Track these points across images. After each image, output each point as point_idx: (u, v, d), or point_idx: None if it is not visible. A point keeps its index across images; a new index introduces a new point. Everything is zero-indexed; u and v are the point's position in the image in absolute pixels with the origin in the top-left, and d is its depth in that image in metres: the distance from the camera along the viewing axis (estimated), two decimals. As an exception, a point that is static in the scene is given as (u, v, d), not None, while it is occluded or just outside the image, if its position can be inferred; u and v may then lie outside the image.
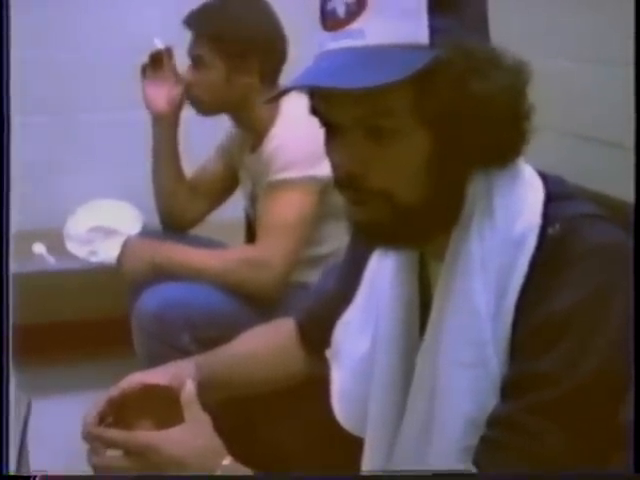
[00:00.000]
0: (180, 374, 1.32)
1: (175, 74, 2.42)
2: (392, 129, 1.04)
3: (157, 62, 2.44)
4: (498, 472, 1.02)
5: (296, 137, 2.19)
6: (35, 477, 1.13)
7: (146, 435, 1.16)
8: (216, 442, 1.16)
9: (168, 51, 2.43)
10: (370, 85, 0.99)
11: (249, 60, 2.27)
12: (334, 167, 1.09)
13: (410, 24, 1.02)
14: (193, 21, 2.28)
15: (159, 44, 2.43)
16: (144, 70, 2.45)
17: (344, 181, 1.08)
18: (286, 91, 1.10)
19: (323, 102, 1.08)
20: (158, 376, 1.33)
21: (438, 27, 1.02)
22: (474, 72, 1.02)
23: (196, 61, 2.31)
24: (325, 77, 1.02)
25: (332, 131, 1.09)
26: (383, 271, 1.24)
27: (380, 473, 1.20)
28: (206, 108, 2.36)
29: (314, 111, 1.09)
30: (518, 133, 1.07)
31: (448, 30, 1.02)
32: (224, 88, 2.29)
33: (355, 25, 1.03)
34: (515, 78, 1.05)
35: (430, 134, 1.04)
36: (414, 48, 1.02)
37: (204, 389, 1.27)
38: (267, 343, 1.51)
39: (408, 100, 1.03)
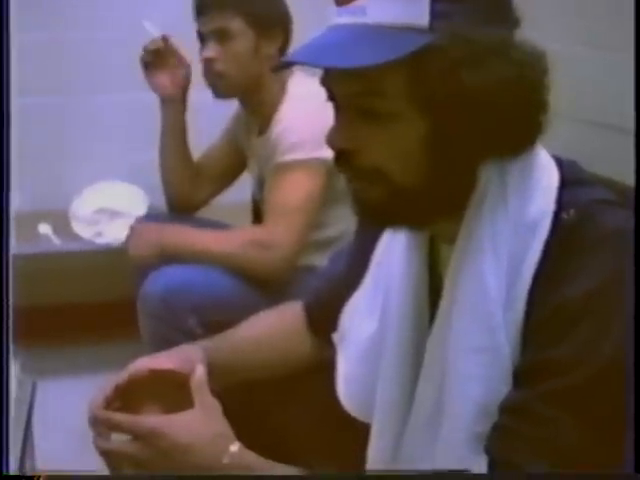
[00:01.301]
0: (188, 358, 1.31)
1: (175, 55, 2.43)
2: (385, 110, 1.04)
3: (154, 50, 2.43)
4: (497, 473, 1.02)
5: (303, 119, 2.18)
6: (39, 477, 1.12)
7: (152, 420, 1.15)
8: (225, 427, 1.15)
9: (163, 38, 2.43)
10: (355, 65, 1.00)
11: (275, 29, 2.28)
12: (328, 142, 1.10)
13: (412, 6, 1.01)
14: None
15: (151, 30, 2.42)
16: (144, 62, 2.44)
17: (338, 157, 1.09)
18: (282, 65, 1.14)
19: (325, 76, 1.09)
20: (165, 360, 1.32)
21: (440, 12, 1.01)
22: (469, 62, 1.00)
23: (220, 35, 2.26)
24: (316, 53, 1.04)
25: (335, 107, 1.10)
26: (392, 254, 1.23)
27: (380, 473, 1.19)
28: (228, 86, 2.31)
29: (323, 83, 1.10)
30: (531, 124, 1.06)
31: (450, 16, 1.01)
32: (251, 59, 2.27)
33: (359, 2, 1.03)
34: (525, 70, 1.03)
35: (425, 119, 1.03)
36: (412, 31, 1.01)
37: (211, 374, 1.26)
38: (274, 327, 1.51)
39: (401, 83, 1.02)
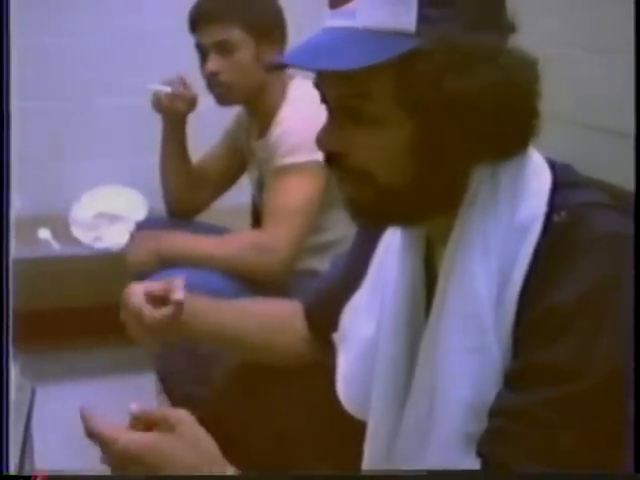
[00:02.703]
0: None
1: (183, 92, 2.43)
2: (372, 112, 1.05)
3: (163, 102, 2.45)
4: (494, 470, 1.01)
5: (303, 122, 2.18)
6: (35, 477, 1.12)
7: (127, 442, 1.00)
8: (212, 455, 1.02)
9: (180, 80, 2.44)
10: (339, 67, 1.02)
11: (273, 33, 2.30)
12: (317, 144, 1.12)
13: (399, 10, 1.02)
14: (214, 10, 2.27)
15: (160, 89, 2.42)
16: (155, 106, 2.46)
17: (327, 159, 1.11)
18: (274, 65, 1.19)
19: (318, 78, 1.10)
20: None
21: (427, 17, 1.02)
22: (455, 67, 1.01)
23: (221, 48, 2.27)
24: (306, 55, 1.06)
25: (327, 109, 1.12)
26: (390, 255, 1.23)
27: (379, 473, 1.19)
28: (233, 95, 2.33)
29: (316, 85, 1.11)
30: (521, 129, 1.07)
31: (437, 21, 1.02)
32: (253, 67, 2.27)
33: (350, 5, 1.04)
34: (514, 76, 1.03)
35: (411, 122, 1.04)
36: (399, 35, 1.03)
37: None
38: (273, 310, 1.53)
39: (388, 86, 1.04)
